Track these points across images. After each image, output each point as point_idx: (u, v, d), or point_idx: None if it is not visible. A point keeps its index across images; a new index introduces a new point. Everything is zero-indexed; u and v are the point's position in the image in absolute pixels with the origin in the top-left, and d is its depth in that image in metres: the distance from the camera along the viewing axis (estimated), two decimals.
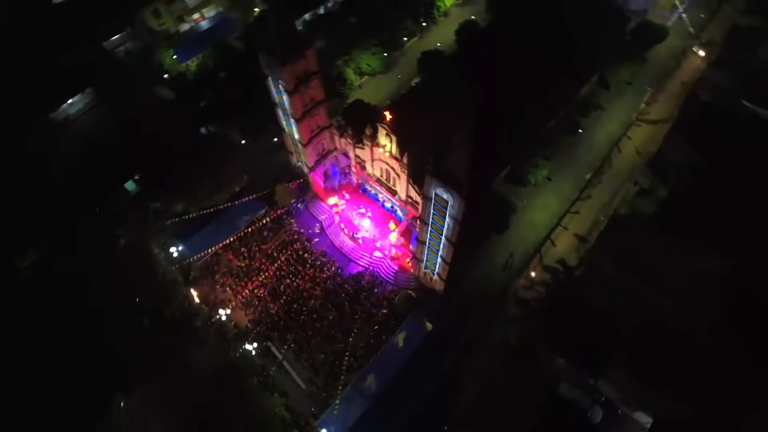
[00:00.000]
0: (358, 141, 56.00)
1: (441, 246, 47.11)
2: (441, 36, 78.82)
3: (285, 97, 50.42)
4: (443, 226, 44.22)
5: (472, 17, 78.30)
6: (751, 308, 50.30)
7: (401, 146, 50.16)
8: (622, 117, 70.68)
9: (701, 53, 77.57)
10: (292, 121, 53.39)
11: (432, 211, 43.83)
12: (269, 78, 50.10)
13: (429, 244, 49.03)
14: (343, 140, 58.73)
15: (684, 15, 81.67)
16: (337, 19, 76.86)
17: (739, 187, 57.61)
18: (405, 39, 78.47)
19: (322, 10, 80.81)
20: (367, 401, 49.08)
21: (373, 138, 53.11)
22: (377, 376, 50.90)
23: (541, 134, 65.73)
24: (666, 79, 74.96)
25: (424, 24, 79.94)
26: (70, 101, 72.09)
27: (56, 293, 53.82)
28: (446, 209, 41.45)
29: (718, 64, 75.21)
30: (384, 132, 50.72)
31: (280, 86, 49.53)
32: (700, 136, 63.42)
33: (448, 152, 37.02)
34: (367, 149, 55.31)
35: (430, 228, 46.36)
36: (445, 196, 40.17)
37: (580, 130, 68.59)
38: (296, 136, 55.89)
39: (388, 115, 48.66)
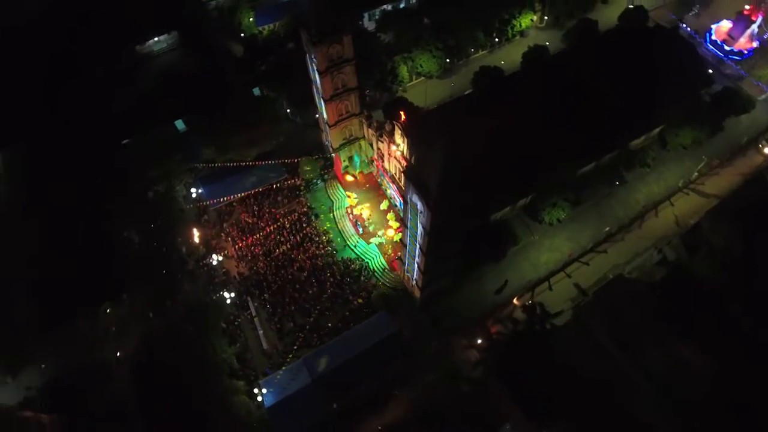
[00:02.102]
0: (380, 135, 57.40)
1: (416, 253, 47.59)
2: (510, 55, 77.42)
3: (316, 76, 52.89)
4: (418, 234, 44.71)
5: (546, 43, 76.19)
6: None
7: (412, 149, 50.86)
8: (670, 180, 65.85)
9: None
10: (321, 100, 55.82)
11: (409, 216, 44.44)
12: (307, 54, 52.78)
13: (408, 249, 49.62)
14: (370, 130, 60.37)
15: None
16: (412, 17, 78.00)
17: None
18: (472, 50, 78.08)
19: (402, 5, 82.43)
20: (310, 377, 50.97)
21: (391, 135, 54.29)
22: (329, 358, 52.56)
23: (574, 175, 63.26)
24: (738, 154, 68.59)
25: (496, 39, 78.94)
26: (156, 39, 79.85)
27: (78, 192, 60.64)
28: (417, 217, 41.96)
29: None
30: (399, 131, 51.70)
31: (313, 64, 52.04)
32: (748, 224, 57.80)
33: (424, 161, 37.48)
34: (385, 144, 56.58)
35: (409, 233, 46.97)
36: (417, 203, 40.67)
37: (617, 182, 64.88)
38: (324, 116, 58.33)
39: (403, 115, 49.51)
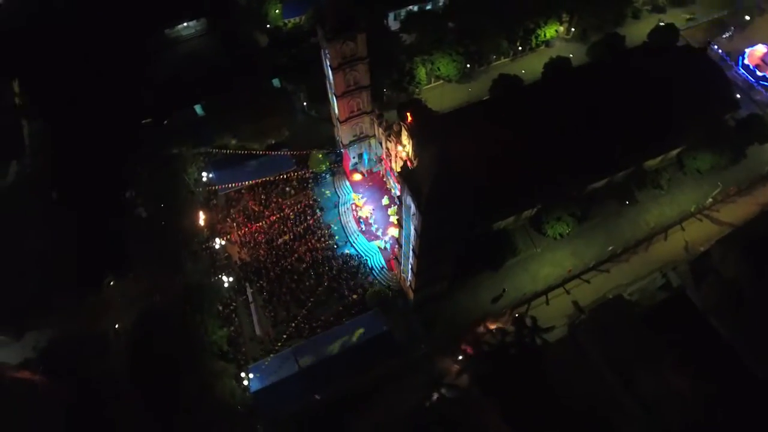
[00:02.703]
0: (388, 134, 57.66)
1: (409, 255, 47.74)
2: (531, 64, 76.50)
3: (329, 72, 53.47)
4: (411, 236, 44.86)
5: (570, 55, 75.13)
6: None
7: (416, 150, 50.99)
8: (684, 204, 64.14)
9: None
10: (333, 95, 56.41)
11: (404, 216, 44.62)
12: (322, 49, 53.40)
13: (404, 249, 49.81)
14: (380, 129, 60.68)
15: None
16: (437, 19, 77.88)
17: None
18: (494, 57, 77.52)
19: (429, 6, 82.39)
20: (297, 367, 51.79)
21: (398, 135, 54.50)
22: (317, 350, 53.32)
23: (583, 190, 62.35)
24: (758, 183, 66.34)
25: (519, 48, 78.19)
26: (185, 24, 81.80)
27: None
28: (410, 218, 42.10)
29: None
30: (405, 132, 51.87)
31: (327, 60, 52.63)
32: (761, 257, 55.95)
33: (421, 163, 37.60)
34: (393, 145, 56.83)
35: (404, 234, 47.15)
36: (411, 205, 40.82)
37: (627, 202, 63.61)
38: (335, 112, 58.91)
39: (409, 117, 49.65)
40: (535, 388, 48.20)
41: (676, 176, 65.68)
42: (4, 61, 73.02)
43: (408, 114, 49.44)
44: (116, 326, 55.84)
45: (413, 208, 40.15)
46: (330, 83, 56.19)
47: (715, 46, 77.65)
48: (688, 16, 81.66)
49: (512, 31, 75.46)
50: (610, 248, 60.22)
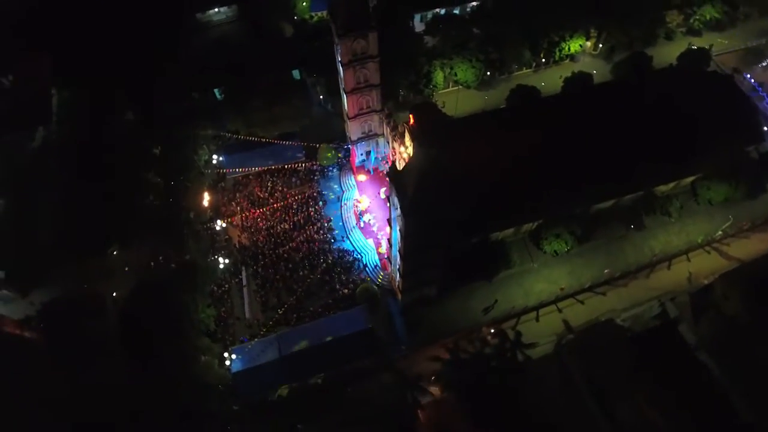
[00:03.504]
0: (395, 135, 57.99)
1: (397, 256, 48.01)
2: (553, 77, 75.29)
3: (340, 67, 54.12)
4: (397, 237, 45.13)
5: (594, 71, 73.78)
6: None
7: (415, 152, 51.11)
8: (693, 234, 62.21)
9: None
10: (343, 91, 57.07)
11: (392, 216, 44.90)
12: (334, 44, 54.09)
13: (393, 250, 50.10)
14: (387, 129, 61.07)
15: None
16: (462, 24, 77.63)
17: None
18: (515, 67, 76.71)
19: (457, 11, 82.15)
20: (279, 354, 52.74)
21: (402, 136, 54.77)
22: (301, 339, 54.10)
23: (588, 209, 61.28)
24: None
25: (543, 59, 77.16)
26: (217, 9, 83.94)
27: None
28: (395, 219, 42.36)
29: None
30: (408, 134, 52.10)
31: (338, 55, 53.29)
32: (765, 296, 53.93)
33: (410, 165, 37.79)
34: (398, 145, 57.13)
35: (393, 234, 47.44)
36: (396, 204, 41.07)
37: (633, 226, 62.13)
38: (345, 107, 59.57)
39: (411, 118, 49.72)
40: (510, 401, 47.72)
41: (688, 204, 63.70)
42: (42, 33, 76.28)
43: (411, 115, 49.49)
44: (114, 294, 57.92)
45: (399, 210, 40.42)
46: (340, 78, 56.88)
47: (748, 75, 74.84)
48: (722, 41, 78.84)
49: (536, 42, 74.55)
50: (607, 271, 58.94)
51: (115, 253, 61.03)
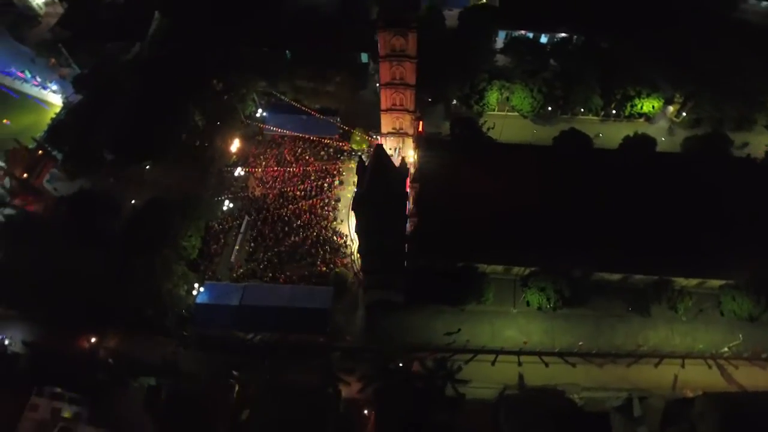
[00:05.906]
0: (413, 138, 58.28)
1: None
2: (616, 131, 69.93)
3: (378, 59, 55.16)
4: None
5: (662, 138, 67.94)
6: None
7: (419, 159, 51.32)
8: (700, 342, 55.96)
9: None
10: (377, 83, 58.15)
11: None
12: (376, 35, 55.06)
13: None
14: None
15: None
16: (541, 53, 74.74)
17: None
18: (582, 110, 72.48)
19: (544, 39, 79.04)
20: (238, 302, 56.11)
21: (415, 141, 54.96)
22: (264, 297, 57.01)
23: (589, 275, 57.55)
24: None
25: (614, 111, 72.05)
26: None
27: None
28: None
29: None
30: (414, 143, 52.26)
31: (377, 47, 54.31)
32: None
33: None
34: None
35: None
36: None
37: (630, 309, 57.24)
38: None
39: (420, 125, 49.88)
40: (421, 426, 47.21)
41: (707, 308, 57.13)
42: None
43: (420, 122, 49.69)
44: (132, 201, 64.81)
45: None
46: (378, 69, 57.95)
47: None
48: None
49: (610, 91, 69.82)
50: (581, 343, 55.09)
51: (147, 167, 67.84)
